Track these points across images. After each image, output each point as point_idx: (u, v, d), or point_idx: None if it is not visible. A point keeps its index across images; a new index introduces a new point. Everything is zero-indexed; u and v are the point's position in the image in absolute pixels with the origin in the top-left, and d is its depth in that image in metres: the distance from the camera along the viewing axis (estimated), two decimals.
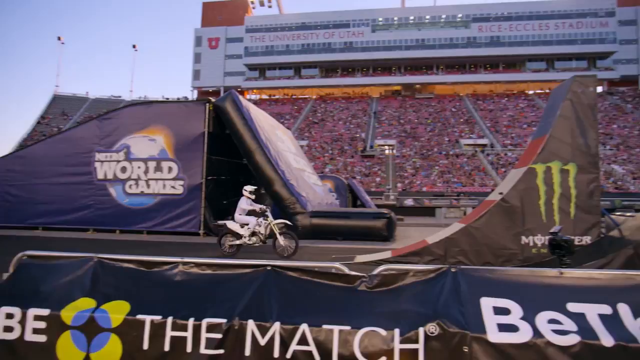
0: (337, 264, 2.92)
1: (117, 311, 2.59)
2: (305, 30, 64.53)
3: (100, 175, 13.77)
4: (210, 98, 13.91)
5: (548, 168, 7.69)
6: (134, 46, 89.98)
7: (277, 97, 67.80)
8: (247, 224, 8.70)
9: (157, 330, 2.51)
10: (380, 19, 63.15)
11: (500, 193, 8.02)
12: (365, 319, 2.55)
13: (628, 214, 11.24)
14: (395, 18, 63.05)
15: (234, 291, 2.72)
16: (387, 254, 8.18)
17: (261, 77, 66.98)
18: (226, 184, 14.35)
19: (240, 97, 13.78)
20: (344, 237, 12.26)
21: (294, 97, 67.00)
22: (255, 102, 59.23)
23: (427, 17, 62.33)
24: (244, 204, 8.88)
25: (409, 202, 34.60)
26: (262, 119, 14.79)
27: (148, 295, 2.75)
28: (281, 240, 8.63)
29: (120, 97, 67.71)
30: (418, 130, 51.02)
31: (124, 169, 13.63)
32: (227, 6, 72.34)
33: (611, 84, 59.30)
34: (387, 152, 46.44)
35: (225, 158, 14.30)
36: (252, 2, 70.85)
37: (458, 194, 35.22)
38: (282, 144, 15.54)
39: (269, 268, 2.82)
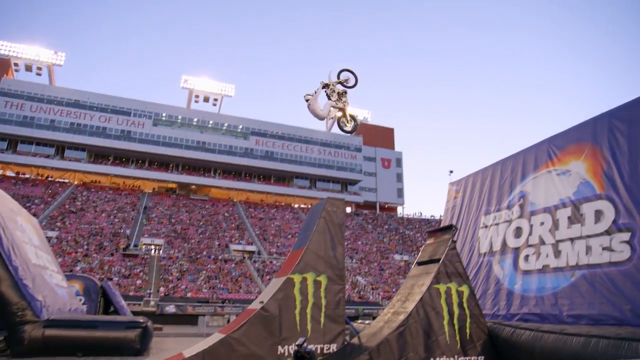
0: None
1: None
2: (79, 108, 58.91)
3: None
4: None
5: (304, 279, 8.33)
6: None
7: (27, 176, 57.70)
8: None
9: None
10: (164, 115, 63.02)
11: (261, 302, 8.21)
12: None
13: (367, 321, 12.89)
14: (179, 117, 64.02)
15: None
16: None
17: (10, 149, 56.51)
18: None
19: None
20: (86, 352, 10.29)
21: (50, 179, 58.24)
22: None
23: (210, 122, 65.34)
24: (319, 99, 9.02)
25: (170, 308, 32.27)
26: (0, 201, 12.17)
27: None
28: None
29: None
30: (189, 231, 50.01)
31: None
32: None
33: (357, 207, 72.31)
34: (152, 252, 43.39)
35: None
36: (17, 65, 61.55)
37: (223, 301, 34.82)
38: (22, 233, 12.89)
39: None
